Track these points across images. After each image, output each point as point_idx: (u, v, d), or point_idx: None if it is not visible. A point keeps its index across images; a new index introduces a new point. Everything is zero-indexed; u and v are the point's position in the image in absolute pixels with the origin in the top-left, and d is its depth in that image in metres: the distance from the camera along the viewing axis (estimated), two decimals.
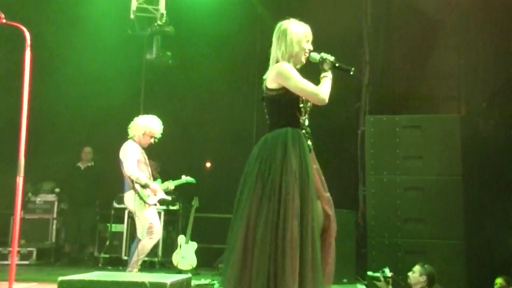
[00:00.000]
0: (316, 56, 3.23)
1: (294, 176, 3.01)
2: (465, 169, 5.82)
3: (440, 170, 5.84)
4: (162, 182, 5.66)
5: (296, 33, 3.21)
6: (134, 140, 5.54)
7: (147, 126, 5.54)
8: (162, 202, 5.99)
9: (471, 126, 6.36)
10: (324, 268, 3.03)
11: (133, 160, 5.34)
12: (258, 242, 2.94)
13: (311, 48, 3.24)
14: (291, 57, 3.19)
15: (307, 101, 3.19)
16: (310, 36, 3.27)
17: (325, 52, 3.21)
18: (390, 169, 5.93)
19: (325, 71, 3.21)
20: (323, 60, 3.23)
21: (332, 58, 3.24)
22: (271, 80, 3.18)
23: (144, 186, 5.32)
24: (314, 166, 3.18)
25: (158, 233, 5.36)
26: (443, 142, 5.88)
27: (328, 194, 3.19)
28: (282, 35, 3.22)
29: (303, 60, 3.24)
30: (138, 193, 5.29)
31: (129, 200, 5.37)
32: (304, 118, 3.20)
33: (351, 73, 3.28)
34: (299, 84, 3.11)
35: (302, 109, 3.18)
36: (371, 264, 5.78)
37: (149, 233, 5.28)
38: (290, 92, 3.12)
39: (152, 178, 5.62)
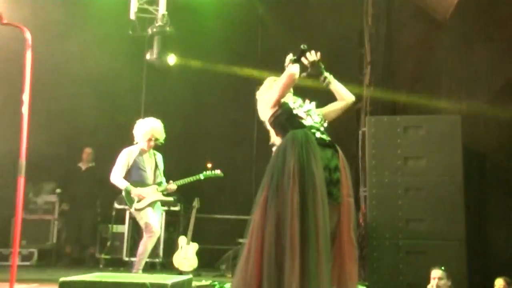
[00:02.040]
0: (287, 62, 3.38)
1: (291, 176, 3.00)
2: (466, 170, 5.80)
3: (441, 170, 5.82)
4: (167, 182, 5.77)
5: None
6: (138, 146, 5.63)
7: (148, 130, 5.61)
8: (163, 203, 6.03)
9: (473, 127, 6.35)
10: (337, 271, 3.07)
11: (118, 167, 5.59)
12: (259, 248, 2.97)
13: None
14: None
15: (301, 105, 3.34)
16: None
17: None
18: (391, 170, 5.92)
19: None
20: (290, 62, 3.38)
21: (292, 57, 3.37)
22: (263, 116, 3.41)
23: (125, 192, 5.53)
24: (334, 165, 3.23)
25: (156, 232, 5.46)
26: (444, 143, 5.87)
27: (350, 199, 3.23)
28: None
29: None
30: (124, 198, 5.59)
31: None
32: (307, 120, 3.31)
33: (303, 48, 3.35)
34: (274, 88, 3.34)
35: (299, 113, 3.31)
36: (372, 265, 5.78)
37: (147, 232, 5.48)
38: (279, 106, 3.29)
39: (152, 181, 5.69)
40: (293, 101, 3.41)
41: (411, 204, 5.81)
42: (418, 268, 5.46)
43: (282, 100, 3.32)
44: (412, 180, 5.87)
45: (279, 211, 2.97)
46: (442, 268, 5.14)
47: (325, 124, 3.40)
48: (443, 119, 6.12)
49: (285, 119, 3.27)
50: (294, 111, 3.29)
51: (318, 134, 3.27)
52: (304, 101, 3.47)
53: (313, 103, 3.50)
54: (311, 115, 3.35)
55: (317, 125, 3.32)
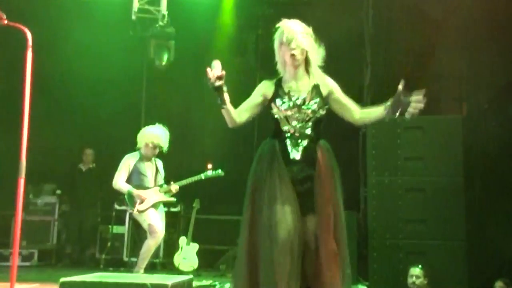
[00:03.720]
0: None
1: (248, 194, 3.14)
2: (467, 170, 5.80)
3: (441, 171, 5.82)
4: (167, 183, 5.81)
5: (275, 44, 3.20)
6: (140, 152, 5.66)
7: (150, 137, 5.68)
8: (164, 204, 6.04)
9: (473, 127, 6.34)
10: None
11: (119, 173, 5.66)
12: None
13: (294, 47, 3.09)
14: (281, 67, 3.21)
15: (287, 109, 3.14)
16: (285, 36, 3.11)
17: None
18: (391, 170, 5.92)
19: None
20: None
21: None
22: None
23: (128, 195, 5.59)
24: (302, 177, 3.07)
25: (159, 232, 5.50)
26: (444, 143, 5.87)
27: (328, 210, 3.06)
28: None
29: (292, 62, 3.13)
30: (126, 201, 5.65)
31: None
32: (289, 127, 3.12)
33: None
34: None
35: (280, 118, 3.13)
36: (372, 265, 5.77)
37: (150, 233, 5.53)
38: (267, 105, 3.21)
39: (153, 185, 5.71)
40: (284, 96, 3.16)
41: (411, 205, 5.81)
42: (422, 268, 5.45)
43: (270, 101, 3.16)
44: (413, 180, 5.87)
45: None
46: (420, 266, 5.20)
47: (322, 112, 3.14)
48: (443, 120, 6.12)
49: (271, 117, 3.18)
50: (276, 115, 3.14)
51: (289, 144, 3.11)
52: (306, 88, 3.16)
53: (314, 88, 3.17)
54: (299, 111, 3.12)
55: (296, 128, 3.11)
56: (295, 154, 3.12)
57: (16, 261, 3.61)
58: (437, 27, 6.91)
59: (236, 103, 3.17)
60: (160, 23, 7.64)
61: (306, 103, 3.16)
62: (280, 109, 3.15)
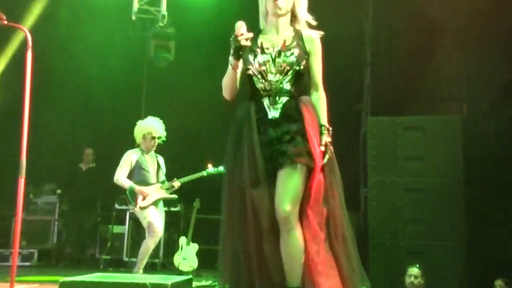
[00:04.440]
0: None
1: (227, 171, 2.94)
2: (467, 171, 5.81)
3: (441, 171, 5.83)
4: (168, 181, 5.78)
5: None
6: (140, 147, 5.63)
7: (144, 128, 5.68)
8: (164, 203, 6.03)
9: (473, 128, 6.35)
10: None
11: (121, 168, 5.63)
12: None
13: None
14: (263, 18, 2.95)
15: (261, 64, 2.81)
16: None
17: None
18: (391, 171, 5.93)
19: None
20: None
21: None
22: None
23: (129, 191, 5.55)
24: (280, 134, 2.72)
25: (158, 231, 5.49)
26: (444, 144, 5.88)
27: (322, 209, 2.71)
28: None
29: (273, 9, 2.83)
30: (127, 197, 5.60)
31: None
32: (265, 84, 2.79)
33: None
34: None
35: (254, 75, 2.82)
36: (372, 265, 5.78)
37: (149, 232, 5.49)
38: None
39: (155, 181, 5.70)
40: (256, 49, 2.81)
41: (411, 205, 5.82)
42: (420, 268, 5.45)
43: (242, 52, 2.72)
44: (412, 180, 5.88)
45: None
46: (417, 266, 5.21)
47: (302, 65, 2.78)
48: (443, 120, 6.12)
49: (246, 81, 2.84)
50: (249, 70, 2.80)
51: (266, 103, 2.78)
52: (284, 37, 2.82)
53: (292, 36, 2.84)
54: (274, 64, 2.78)
55: (273, 84, 2.77)
56: (274, 113, 2.77)
57: (16, 261, 3.61)
58: (437, 27, 6.91)
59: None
60: (160, 23, 7.64)
61: (282, 54, 2.80)
62: (253, 64, 2.80)
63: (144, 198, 5.54)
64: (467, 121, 6.27)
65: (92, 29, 8.40)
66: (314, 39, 2.89)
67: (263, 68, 2.79)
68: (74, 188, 8.30)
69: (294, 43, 2.83)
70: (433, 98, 7.21)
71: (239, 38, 2.65)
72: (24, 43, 3.62)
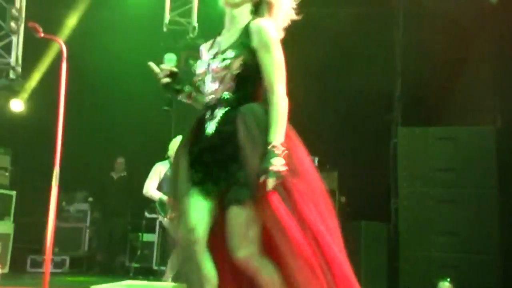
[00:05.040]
0: None
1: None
2: (501, 182, 5.68)
3: (474, 182, 5.72)
4: None
5: None
6: (169, 160, 5.76)
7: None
8: None
9: (507, 139, 6.21)
10: None
11: (150, 180, 5.74)
12: None
13: None
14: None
15: (203, 70, 2.44)
16: None
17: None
18: (423, 181, 5.84)
19: None
20: None
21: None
22: None
23: (159, 202, 5.65)
24: (197, 152, 2.32)
25: None
26: (477, 154, 5.77)
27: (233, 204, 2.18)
28: None
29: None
30: (158, 208, 5.72)
31: None
32: (207, 94, 2.38)
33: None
34: None
35: (200, 85, 2.48)
36: (404, 278, 5.68)
37: None
38: None
39: None
40: (203, 53, 2.50)
41: (443, 217, 5.72)
42: (451, 282, 5.34)
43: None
44: (444, 192, 5.78)
45: None
46: (448, 280, 5.10)
47: (241, 67, 2.27)
48: (476, 131, 6.02)
49: None
50: (196, 77, 2.43)
51: (207, 117, 2.35)
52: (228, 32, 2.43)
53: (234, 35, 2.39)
54: (208, 71, 2.37)
55: (211, 93, 2.35)
56: (210, 129, 2.31)
57: (48, 267, 3.67)
58: (469, 36, 6.81)
59: None
60: (191, 34, 7.71)
61: (217, 58, 2.35)
62: (199, 72, 2.42)
63: None
64: (502, 132, 6.13)
65: (124, 41, 8.53)
66: (257, 31, 2.28)
67: (199, 78, 2.43)
68: (105, 196, 8.40)
69: (238, 41, 2.33)
70: (465, 108, 7.07)
71: (158, 77, 2.46)
72: (59, 54, 3.71)
